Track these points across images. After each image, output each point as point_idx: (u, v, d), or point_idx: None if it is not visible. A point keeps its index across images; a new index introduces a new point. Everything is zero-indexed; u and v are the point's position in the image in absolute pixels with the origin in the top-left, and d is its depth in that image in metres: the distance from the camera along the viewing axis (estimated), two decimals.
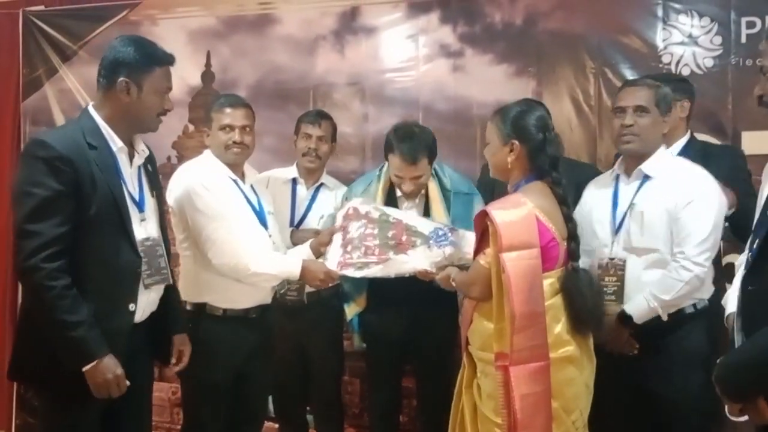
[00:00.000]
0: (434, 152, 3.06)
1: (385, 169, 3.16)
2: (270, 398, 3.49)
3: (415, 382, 3.42)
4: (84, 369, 2.14)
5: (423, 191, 3.10)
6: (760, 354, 1.72)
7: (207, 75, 4.20)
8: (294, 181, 3.39)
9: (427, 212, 3.06)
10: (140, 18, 4.26)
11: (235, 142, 2.84)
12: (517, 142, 2.41)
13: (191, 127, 4.19)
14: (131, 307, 2.29)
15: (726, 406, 1.83)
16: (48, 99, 4.38)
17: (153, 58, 2.34)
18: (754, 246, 1.80)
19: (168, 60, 2.38)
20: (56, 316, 2.11)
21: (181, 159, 4.06)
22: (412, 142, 2.96)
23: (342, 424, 3.57)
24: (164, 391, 4.01)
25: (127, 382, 2.22)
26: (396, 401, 3.38)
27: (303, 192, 3.38)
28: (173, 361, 2.55)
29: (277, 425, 3.61)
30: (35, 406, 4.24)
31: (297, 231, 3.27)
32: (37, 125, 4.37)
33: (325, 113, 3.47)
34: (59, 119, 4.33)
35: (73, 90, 4.33)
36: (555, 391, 2.29)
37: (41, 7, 4.39)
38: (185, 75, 4.12)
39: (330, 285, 2.95)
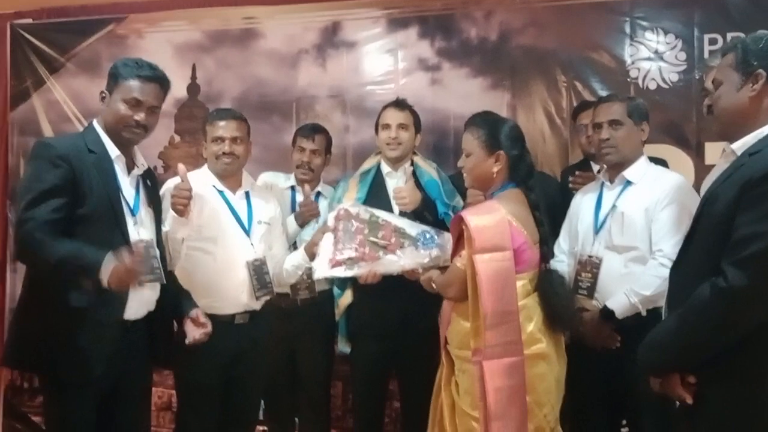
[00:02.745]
0: (418, 119, 3.34)
1: (362, 168, 3.37)
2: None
3: (397, 384, 3.48)
4: (101, 277, 2.20)
5: (408, 165, 3.26)
6: (660, 336, 1.94)
7: (192, 87, 4.30)
8: (293, 188, 3.53)
9: (415, 175, 3.22)
10: (127, 32, 4.36)
11: (224, 153, 2.98)
12: (502, 153, 2.56)
13: (177, 138, 4.29)
14: (123, 298, 2.41)
15: (650, 383, 2.01)
16: (36, 110, 4.45)
17: (121, 71, 2.51)
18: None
19: (135, 72, 2.49)
20: (53, 260, 2.23)
21: (167, 169, 4.17)
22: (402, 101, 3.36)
23: (329, 426, 3.65)
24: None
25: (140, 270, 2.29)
26: (381, 404, 3.43)
27: (301, 200, 3.48)
28: (202, 321, 2.68)
29: (264, 428, 3.70)
30: (22, 412, 4.35)
31: None
32: (24, 135, 4.44)
33: (320, 127, 3.58)
34: (47, 130, 4.41)
35: (60, 101, 4.41)
36: (528, 386, 2.41)
37: (29, 20, 4.46)
38: (171, 87, 4.21)
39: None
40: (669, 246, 2.65)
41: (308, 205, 3.27)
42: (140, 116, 2.48)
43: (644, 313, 2.70)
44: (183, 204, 2.65)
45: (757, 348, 1.77)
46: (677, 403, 2.79)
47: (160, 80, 2.55)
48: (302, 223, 3.30)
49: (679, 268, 1.99)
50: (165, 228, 2.74)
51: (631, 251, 2.75)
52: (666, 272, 2.59)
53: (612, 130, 2.84)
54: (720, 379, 1.81)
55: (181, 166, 2.68)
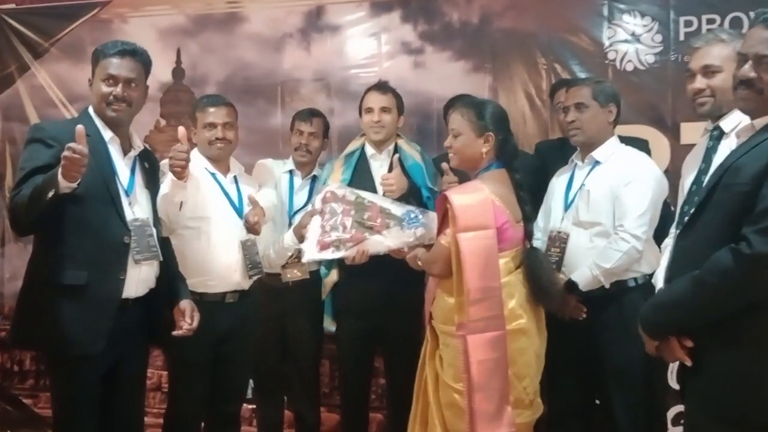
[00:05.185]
0: (401, 102, 3.39)
1: (347, 150, 3.42)
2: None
3: (383, 361, 3.54)
4: (61, 181, 2.23)
5: (390, 148, 3.34)
6: (671, 297, 1.99)
7: (177, 71, 4.32)
8: (291, 172, 3.59)
9: (399, 159, 3.26)
10: (111, 16, 4.36)
11: (217, 138, 3.07)
12: (491, 134, 2.64)
13: (163, 122, 4.32)
14: (121, 275, 2.48)
15: (645, 345, 2.07)
16: (20, 95, 4.45)
17: (99, 54, 2.57)
18: (690, 210, 2.07)
19: (109, 52, 2.54)
20: (28, 198, 2.28)
21: (153, 153, 4.20)
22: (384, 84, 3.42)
23: (319, 403, 3.71)
24: None
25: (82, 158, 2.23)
26: (367, 381, 3.51)
27: (299, 183, 3.57)
28: (188, 321, 2.67)
29: (252, 406, 3.77)
30: (13, 395, 4.39)
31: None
32: (9, 121, 4.46)
33: (317, 111, 3.65)
34: (32, 115, 4.41)
35: (45, 86, 4.41)
36: (509, 360, 2.50)
37: (12, 5, 4.45)
38: (156, 71, 4.08)
39: None
40: (630, 221, 2.78)
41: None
42: (117, 90, 2.52)
43: (607, 286, 2.82)
44: (181, 166, 2.62)
45: (763, 312, 1.81)
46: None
47: (132, 53, 2.57)
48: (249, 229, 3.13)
49: (686, 235, 2.03)
50: (163, 191, 2.74)
51: (596, 227, 2.87)
52: (626, 246, 2.76)
53: (578, 113, 2.95)
54: (725, 342, 1.86)
55: (181, 129, 2.66)
